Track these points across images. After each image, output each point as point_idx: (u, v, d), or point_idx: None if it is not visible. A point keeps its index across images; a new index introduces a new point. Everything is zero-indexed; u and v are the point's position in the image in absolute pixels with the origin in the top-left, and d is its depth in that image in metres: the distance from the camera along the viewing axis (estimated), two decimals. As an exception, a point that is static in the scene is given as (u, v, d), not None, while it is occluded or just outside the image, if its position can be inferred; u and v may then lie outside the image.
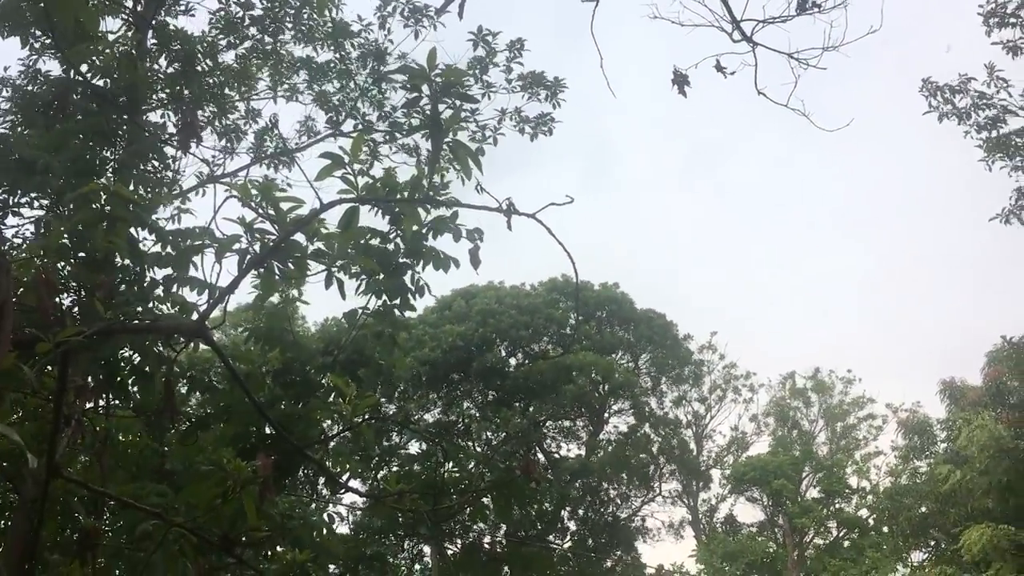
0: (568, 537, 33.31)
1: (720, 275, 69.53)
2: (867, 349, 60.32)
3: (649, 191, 72.41)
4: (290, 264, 4.65)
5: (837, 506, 37.18)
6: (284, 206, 4.70)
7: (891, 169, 66.66)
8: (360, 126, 14.96)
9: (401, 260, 6.03)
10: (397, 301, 6.54)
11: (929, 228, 65.74)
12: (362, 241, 5.54)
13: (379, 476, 26.72)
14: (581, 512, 33.38)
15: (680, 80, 9.13)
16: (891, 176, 67.08)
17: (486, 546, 30.14)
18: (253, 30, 13.95)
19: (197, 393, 10.18)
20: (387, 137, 15.12)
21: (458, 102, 4.28)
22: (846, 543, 36.03)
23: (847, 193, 67.74)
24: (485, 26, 14.25)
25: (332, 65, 14.77)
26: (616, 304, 35.65)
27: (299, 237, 4.64)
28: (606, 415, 35.02)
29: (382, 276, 6.06)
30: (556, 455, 34.40)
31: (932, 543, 27.23)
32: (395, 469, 27.24)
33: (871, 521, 34.90)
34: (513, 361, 33.65)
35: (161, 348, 5.88)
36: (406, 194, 4.78)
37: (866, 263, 65.98)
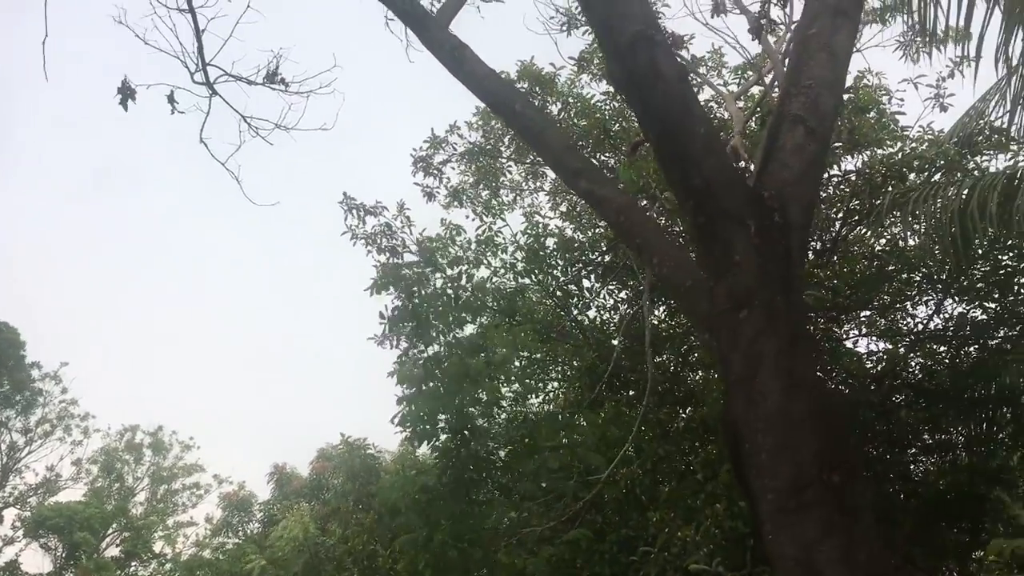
0: None
1: (101, 305, 64.07)
2: (224, 420, 60.22)
3: (59, 194, 64.18)
4: None
5: (134, 567, 35.87)
6: None
7: (313, 256, 69.94)
8: None
9: None
10: None
11: (326, 324, 69.25)
12: None
13: None
14: None
15: (126, 93, 8.43)
16: (312, 264, 69.97)
17: None
18: None
19: None
20: None
21: None
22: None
23: (269, 265, 68.64)
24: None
25: None
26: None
27: None
28: None
29: None
30: None
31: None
32: None
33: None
34: None
35: None
36: None
37: (254, 337, 66.90)
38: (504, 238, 12.09)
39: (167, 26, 8.56)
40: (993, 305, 10.11)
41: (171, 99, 8.39)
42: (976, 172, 9.63)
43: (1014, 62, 8.11)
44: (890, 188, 10.06)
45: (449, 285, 12.11)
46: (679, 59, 11.87)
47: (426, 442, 11.10)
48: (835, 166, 10.39)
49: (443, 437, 11.17)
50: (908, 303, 11.09)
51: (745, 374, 3.57)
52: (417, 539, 9.20)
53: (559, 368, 13.26)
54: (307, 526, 19.37)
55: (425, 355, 11.63)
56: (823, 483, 3.32)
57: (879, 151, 10.44)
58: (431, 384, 11.15)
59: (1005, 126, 9.72)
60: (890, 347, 11.38)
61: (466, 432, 10.91)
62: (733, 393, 3.64)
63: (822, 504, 3.29)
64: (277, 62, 8.39)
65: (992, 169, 9.96)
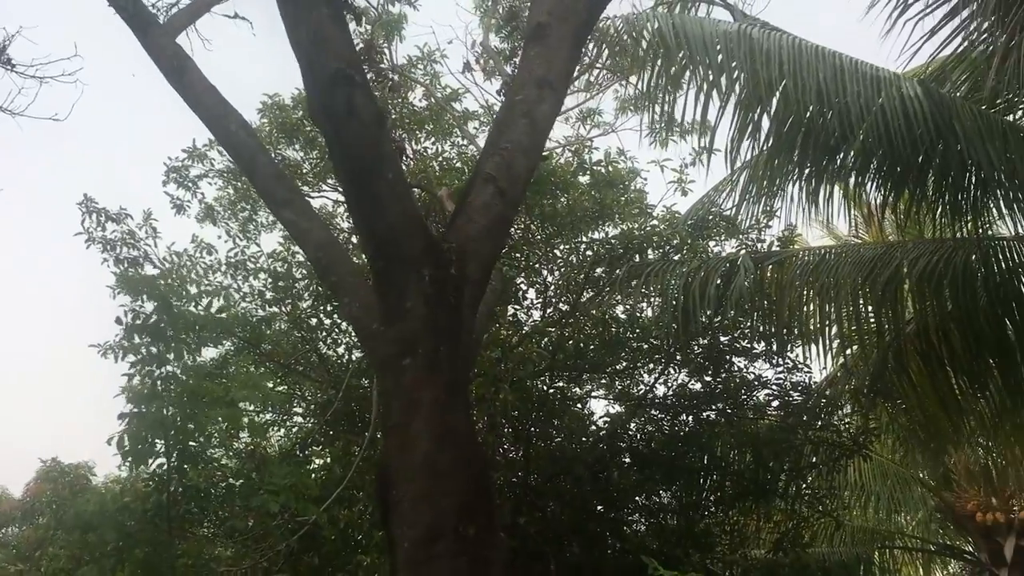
0: None
1: None
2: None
3: None
4: None
5: None
6: None
7: (52, 257, 63.77)
8: None
9: None
10: None
11: (62, 332, 62.99)
12: None
13: None
14: None
15: None
16: (49, 266, 63.90)
17: None
18: None
19: None
20: None
21: None
22: None
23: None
24: None
25: None
26: None
27: None
28: None
29: None
30: None
31: None
32: None
33: None
34: None
35: None
36: None
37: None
38: (256, 263, 11.65)
39: None
40: (709, 379, 10.90)
41: None
42: (704, 255, 10.43)
43: (738, 162, 8.92)
44: (635, 260, 10.67)
45: (194, 304, 11.47)
46: (454, 110, 12.16)
47: (142, 467, 10.36)
48: (582, 235, 10.92)
49: (157, 462, 10.47)
50: (641, 369, 11.74)
51: (401, 420, 3.58)
52: (104, 567, 8.45)
53: (303, 403, 12.89)
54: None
55: (158, 373, 10.92)
56: (458, 535, 3.36)
57: (624, 225, 11.08)
58: (158, 406, 10.46)
59: (732, 215, 10.68)
60: (622, 410, 11.97)
61: (185, 461, 10.28)
62: (389, 439, 3.65)
63: (453, 555, 3.33)
64: (7, 41, 7.79)
65: (723, 253, 10.86)
